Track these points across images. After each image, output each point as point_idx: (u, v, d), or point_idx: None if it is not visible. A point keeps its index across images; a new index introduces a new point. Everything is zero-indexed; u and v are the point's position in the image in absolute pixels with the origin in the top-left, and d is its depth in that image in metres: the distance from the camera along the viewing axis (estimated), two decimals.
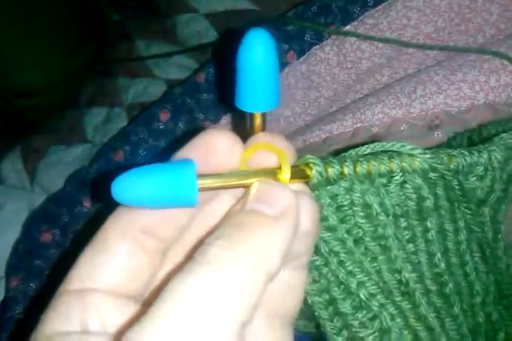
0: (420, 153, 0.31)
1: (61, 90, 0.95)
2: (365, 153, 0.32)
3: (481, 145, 0.34)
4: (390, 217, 0.33)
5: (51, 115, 0.93)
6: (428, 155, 0.32)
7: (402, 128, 0.58)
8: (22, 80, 0.90)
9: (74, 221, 0.61)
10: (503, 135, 0.35)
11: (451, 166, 0.32)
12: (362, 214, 0.32)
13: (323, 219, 0.32)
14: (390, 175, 0.32)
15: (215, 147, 0.28)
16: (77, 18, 0.97)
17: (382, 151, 0.32)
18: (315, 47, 0.66)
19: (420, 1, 0.64)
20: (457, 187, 0.33)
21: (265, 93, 0.29)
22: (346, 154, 0.32)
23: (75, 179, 0.64)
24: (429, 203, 0.33)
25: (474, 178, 0.34)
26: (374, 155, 0.32)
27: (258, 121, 0.30)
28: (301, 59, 0.66)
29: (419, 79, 0.61)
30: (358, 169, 0.31)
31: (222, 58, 0.70)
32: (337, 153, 0.33)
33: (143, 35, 0.96)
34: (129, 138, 0.64)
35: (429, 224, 0.34)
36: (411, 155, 0.32)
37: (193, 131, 0.29)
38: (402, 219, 0.33)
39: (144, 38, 0.96)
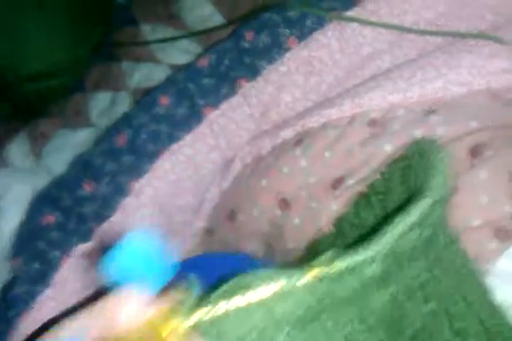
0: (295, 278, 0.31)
1: (68, 74, 0.96)
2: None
3: (370, 240, 0.34)
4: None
5: (58, 99, 0.94)
6: (304, 278, 0.31)
7: (399, 113, 0.59)
8: (29, 64, 0.91)
9: (75, 204, 0.62)
10: (397, 222, 0.34)
11: (333, 271, 0.32)
12: None
13: None
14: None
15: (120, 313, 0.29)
16: (85, 2, 0.98)
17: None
18: (316, 33, 0.66)
19: None
20: (352, 283, 0.34)
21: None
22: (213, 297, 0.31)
23: (77, 163, 0.65)
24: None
25: (368, 270, 0.34)
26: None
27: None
28: (302, 44, 0.67)
29: (419, 64, 0.61)
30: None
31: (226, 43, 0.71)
32: None
33: (148, 20, 0.97)
34: (130, 122, 0.65)
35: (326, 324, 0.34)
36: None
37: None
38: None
39: (149, 22, 0.96)
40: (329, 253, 0.33)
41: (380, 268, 0.34)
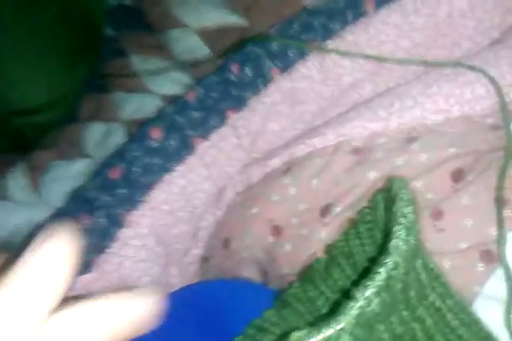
0: None
1: (61, 106, 0.98)
2: None
3: (331, 319, 0.35)
4: None
5: (52, 131, 0.96)
6: None
7: (380, 141, 0.61)
8: (22, 99, 0.93)
9: None
10: (353, 303, 0.36)
11: None
12: None
13: None
14: None
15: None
16: (74, 34, 1.00)
17: None
18: (298, 64, 0.69)
19: (397, 18, 0.67)
20: None
21: None
22: None
23: (73, 197, 0.67)
24: None
25: None
26: None
27: None
28: (284, 75, 0.69)
29: (397, 94, 0.64)
30: None
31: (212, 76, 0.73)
32: None
33: (136, 51, 0.99)
34: (123, 156, 0.67)
35: None
36: None
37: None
38: None
39: (137, 53, 0.99)
40: (299, 333, 0.35)
41: (351, 339, 0.35)
